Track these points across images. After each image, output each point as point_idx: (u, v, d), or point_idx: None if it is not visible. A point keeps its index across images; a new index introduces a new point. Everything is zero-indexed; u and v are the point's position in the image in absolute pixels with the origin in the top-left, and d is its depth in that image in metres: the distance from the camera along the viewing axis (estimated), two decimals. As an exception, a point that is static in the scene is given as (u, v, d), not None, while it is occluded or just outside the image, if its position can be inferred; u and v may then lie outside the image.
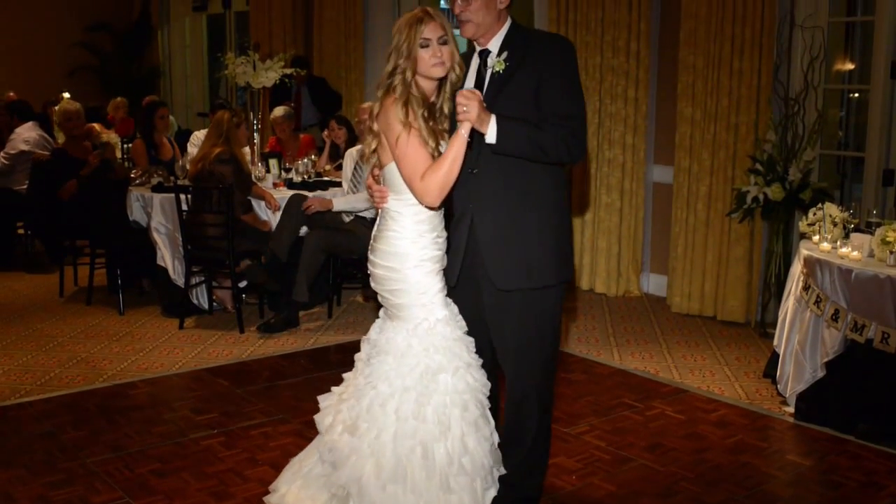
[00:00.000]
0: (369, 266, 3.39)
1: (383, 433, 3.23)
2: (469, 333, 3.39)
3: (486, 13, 3.27)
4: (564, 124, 3.20)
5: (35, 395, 5.15)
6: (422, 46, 3.17)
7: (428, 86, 3.28)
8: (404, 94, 3.19)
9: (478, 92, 3.17)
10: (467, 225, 3.37)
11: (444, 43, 3.19)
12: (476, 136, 3.19)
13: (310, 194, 6.82)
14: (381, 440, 3.23)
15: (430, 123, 3.23)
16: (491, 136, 3.15)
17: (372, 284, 3.42)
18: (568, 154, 3.23)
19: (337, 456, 3.30)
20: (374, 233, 3.42)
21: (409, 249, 3.28)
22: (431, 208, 3.27)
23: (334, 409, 3.42)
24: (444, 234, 3.38)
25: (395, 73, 3.21)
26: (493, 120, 3.15)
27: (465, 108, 3.10)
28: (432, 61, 3.19)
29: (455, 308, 3.39)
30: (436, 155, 3.20)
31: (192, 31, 14.17)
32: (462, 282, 3.45)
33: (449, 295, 3.40)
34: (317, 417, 3.49)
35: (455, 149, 3.15)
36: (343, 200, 6.57)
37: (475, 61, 3.40)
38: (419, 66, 3.21)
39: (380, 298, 3.42)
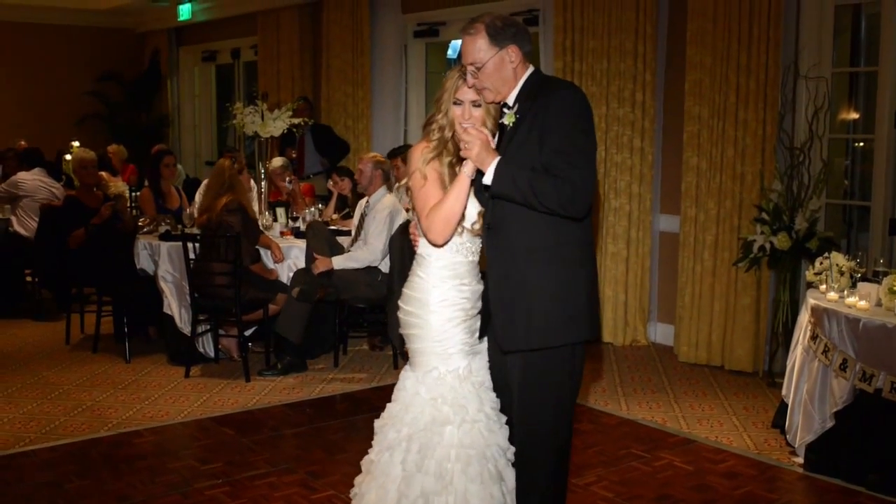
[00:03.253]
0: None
1: (388, 482, 3.25)
2: (495, 389, 3.35)
3: (498, 76, 3.25)
4: (562, 177, 3.07)
5: (39, 444, 5.13)
6: (455, 104, 3.30)
7: None
8: (440, 147, 3.30)
9: (485, 132, 3.19)
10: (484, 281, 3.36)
11: (478, 106, 3.30)
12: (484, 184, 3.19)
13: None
14: (387, 489, 3.25)
15: (457, 168, 3.28)
16: (488, 177, 3.14)
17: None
18: (560, 206, 3.07)
19: (355, 494, 3.41)
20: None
21: (430, 295, 3.29)
22: (436, 245, 3.28)
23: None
24: (475, 283, 3.36)
25: (434, 124, 3.34)
26: (494, 163, 3.12)
27: (466, 146, 3.13)
28: (460, 120, 3.29)
29: (481, 362, 3.36)
30: None
31: (201, 81, 14.34)
32: (489, 336, 3.38)
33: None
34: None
35: (457, 187, 3.20)
36: (341, 259, 6.60)
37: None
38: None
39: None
